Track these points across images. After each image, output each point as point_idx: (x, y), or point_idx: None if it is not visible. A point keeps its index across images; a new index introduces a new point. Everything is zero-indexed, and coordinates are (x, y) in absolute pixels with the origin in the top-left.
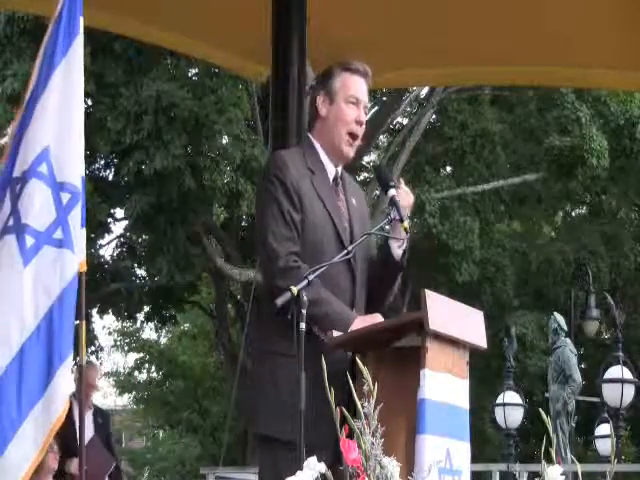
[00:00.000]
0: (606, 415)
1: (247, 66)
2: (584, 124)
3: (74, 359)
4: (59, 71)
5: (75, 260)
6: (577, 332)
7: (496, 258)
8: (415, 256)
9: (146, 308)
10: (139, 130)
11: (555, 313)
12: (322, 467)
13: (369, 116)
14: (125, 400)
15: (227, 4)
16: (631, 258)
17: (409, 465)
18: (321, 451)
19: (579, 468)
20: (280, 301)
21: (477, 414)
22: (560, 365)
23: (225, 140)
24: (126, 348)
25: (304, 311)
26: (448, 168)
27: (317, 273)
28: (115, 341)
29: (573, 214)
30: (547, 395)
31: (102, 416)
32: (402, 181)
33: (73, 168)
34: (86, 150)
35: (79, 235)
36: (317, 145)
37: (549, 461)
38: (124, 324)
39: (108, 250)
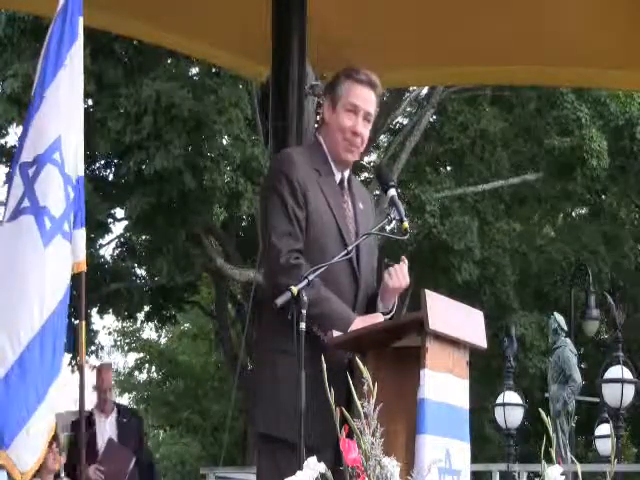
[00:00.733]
0: (606, 415)
1: (247, 66)
2: (584, 124)
3: (74, 359)
4: (64, 68)
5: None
6: (577, 332)
7: (496, 258)
8: (415, 256)
9: (146, 308)
10: (139, 130)
11: (555, 313)
12: (322, 467)
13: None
14: (125, 400)
15: (227, 4)
16: (631, 258)
17: (409, 465)
18: (321, 451)
19: (579, 468)
20: (280, 301)
21: (477, 414)
22: (560, 365)
23: (225, 140)
24: (126, 348)
25: (304, 311)
26: (448, 168)
27: (317, 273)
28: (115, 341)
29: (573, 214)
30: (547, 395)
31: (128, 414)
32: (405, 260)
33: (77, 164)
34: (86, 150)
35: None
36: (325, 148)
37: (549, 461)
38: (124, 324)
39: (108, 250)
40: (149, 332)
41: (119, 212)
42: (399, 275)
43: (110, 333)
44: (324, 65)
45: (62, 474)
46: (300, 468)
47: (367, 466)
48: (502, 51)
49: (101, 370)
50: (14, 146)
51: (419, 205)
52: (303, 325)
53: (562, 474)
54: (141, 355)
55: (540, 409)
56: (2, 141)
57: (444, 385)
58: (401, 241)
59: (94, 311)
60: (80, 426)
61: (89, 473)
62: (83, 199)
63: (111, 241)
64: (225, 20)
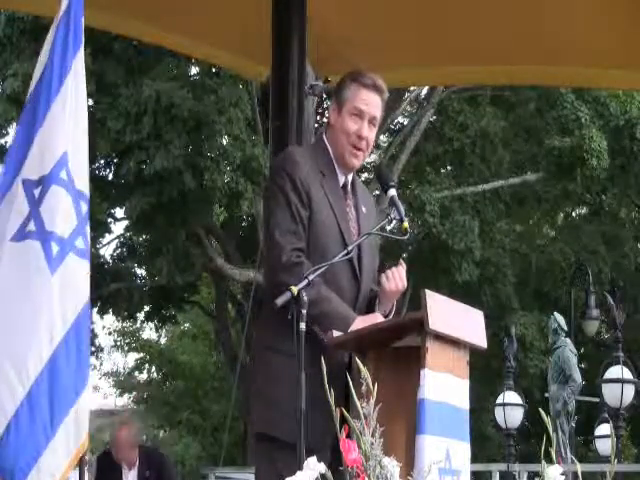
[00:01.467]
0: (606, 415)
1: (247, 66)
2: (584, 124)
3: None
4: (70, 78)
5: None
6: (577, 332)
7: (496, 258)
8: (415, 256)
9: (146, 308)
10: (139, 130)
11: (555, 313)
12: (322, 467)
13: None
14: (125, 400)
15: (227, 4)
16: (631, 258)
17: (409, 465)
18: (318, 452)
19: (579, 468)
20: (280, 301)
21: (477, 414)
22: (560, 365)
23: (225, 140)
24: (126, 348)
25: (304, 311)
26: (448, 168)
27: (317, 273)
28: (115, 341)
29: (573, 214)
30: (547, 395)
31: (150, 460)
32: (403, 263)
33: (85, 176)
34: None
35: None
36: (330, 150)
37: (549, 461)
38: (124, 324)
39: (108, 250)
40: (149, 332)
41: (119, 212)
42: (396, 278)
43: (110, 333)
44: (324, 65)
45: None
46: (300, 468)
47: (367, 466)
48: (502, 51)
49: (120, 429)
50: None
51: (419, 205)
52: (303, 325)
53: (562, 474)
54: (141, 355)
55: (540, 409)
56: (2, 141)
57: (444, 385)
58: (401, 241)
59: (94, 311)
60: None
61: None
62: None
63: (111, 241)
64: (225, 20)
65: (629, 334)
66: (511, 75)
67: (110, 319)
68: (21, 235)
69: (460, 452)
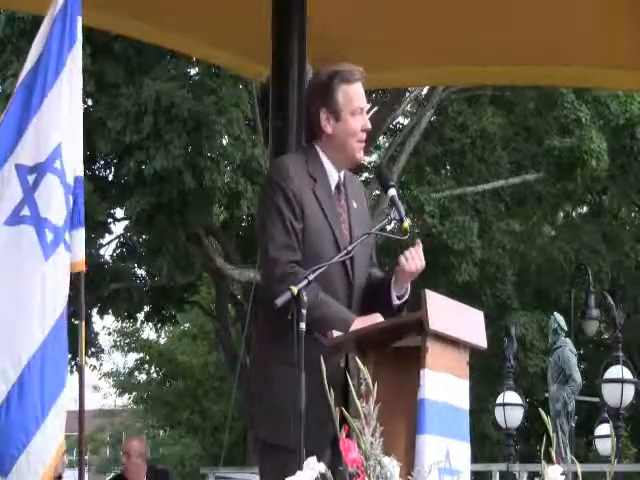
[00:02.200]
0: (606, 415)
1: (247, 66)
2: (584, 124)
3: (74, 359)
4: (66, 70)
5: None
6: (577, 332)
7: (496, 258)
8: None
9: (146, 308)
10: (139, 130)
11: (555, 313)
12: (322, 467)
13: (368, 116)
14: (125, 400)
15: (227, 4)
16: (632, 258)
17: (409, 465)
18: (317, 454)
19: (579, 468)
20: (280, 301)
21: (477, 414)
22: (560, 365)
23: (225, 140)
24: (126, 348)
25: (304, 311)
26: (448, 168)
27: (317, 273)
28: (115, 341)
29: (573, 214)
30: (547, 395)
31: (158, 478)
32: (419, 242)
33: (76, 170)
34: (86, 150)
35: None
36: (322, 154)
37: (549, 461)
38: (124, 324)
39: (108, 250)
40: (149, 332)
41: (119, 212)
42: (415, 258)
43: (110, 333)
44: (324, 65)
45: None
46: (299, 469)
47: (367, 466)
48: (502, 51)
49: (131, 439)
50: None
51: (418, 206)
52: (303, 325)
53: (562, 474)
54: (141, 355)
55: (540, 409)
56: None
57: (444, 385)
58: (401, 241)
59: (94, 311)
60: (80, 426)
61: None
62: (83, 199)
63: (111, 241)
64: (225, 20)
65: (629, 334)
66: (511, 75)
67: (110, 319)
68: (15, 219)
69: (460, 452)
